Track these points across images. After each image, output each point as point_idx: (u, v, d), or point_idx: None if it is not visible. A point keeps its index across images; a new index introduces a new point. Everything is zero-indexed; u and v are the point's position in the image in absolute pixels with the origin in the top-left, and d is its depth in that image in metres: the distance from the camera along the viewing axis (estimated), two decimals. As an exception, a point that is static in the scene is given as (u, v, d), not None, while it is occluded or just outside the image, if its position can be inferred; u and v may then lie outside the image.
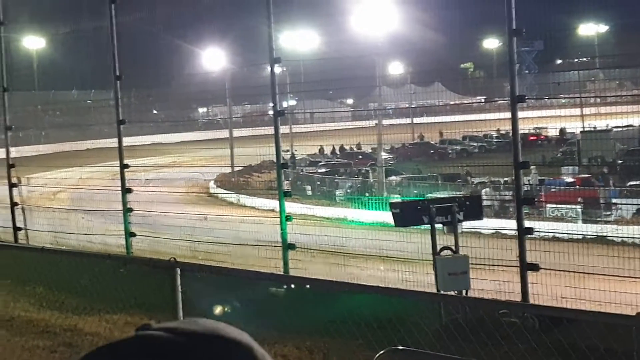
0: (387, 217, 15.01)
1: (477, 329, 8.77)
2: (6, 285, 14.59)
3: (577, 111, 30.30)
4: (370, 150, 36.09)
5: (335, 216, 23.01)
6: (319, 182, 30.75)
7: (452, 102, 34.34)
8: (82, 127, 28.09)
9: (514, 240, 11.82)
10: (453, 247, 12.11)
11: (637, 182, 25.44)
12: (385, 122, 30.34)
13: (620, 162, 29.35)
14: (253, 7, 15.97)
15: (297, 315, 10.81)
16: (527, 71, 30.66)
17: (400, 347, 7.45)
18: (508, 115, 11.86)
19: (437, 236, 12.26)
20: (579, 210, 22.52)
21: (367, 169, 32.94)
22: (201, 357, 1.23)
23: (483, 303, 10.11)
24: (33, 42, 24.52)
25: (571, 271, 11.87)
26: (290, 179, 26.02)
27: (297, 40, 27.40)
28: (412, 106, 32.72)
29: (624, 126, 28.23)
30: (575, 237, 16.22)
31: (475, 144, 40.40)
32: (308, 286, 11.28)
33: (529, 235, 11.61)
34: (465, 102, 34.28)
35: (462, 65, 51.80)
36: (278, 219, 14.50)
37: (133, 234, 16.83)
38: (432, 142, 40.38)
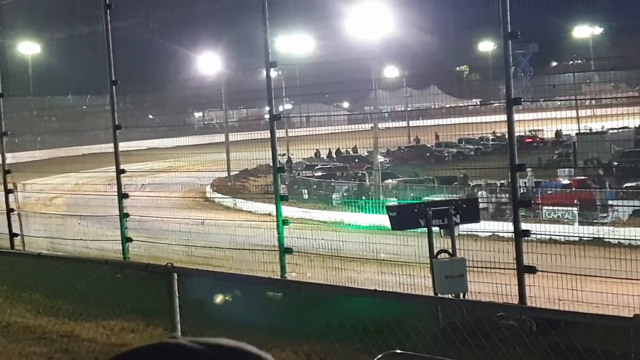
0: (383, 220, 15.02)
1: (475, 331, 8.77)
2: (3, 291, 14.55)
3: (572, 113, 30.30)
4: (366, 154, 36.12)
5: (332, 220, 22.99)
6: (315, 186, 30.74)
7: (447, 105, 34.42)
8: (77, 133, 28.08)
9: (510, 243, 11.83)
10: (450, 250, 12.12)
11: (633, 184, 25.48)
12: (381, 125, 30.39)
13: (616, 163, 29.40)
14: (249, 11, 15.96)
15: (294, 320, 10.78)
16: (522, 74, 30.72)
17: (398, 351, 7.44)
18: (504, 117, 11.88)
19: (434, 239, 12.28)
20: (576, 212, 22.55)
21: (363, 172, 32.98)
22: None
23: (480, 306, 10.11)
24: (28, 48, 24.47)
25: (568, 273, 11.87)
26: (286, 183, 25.98)
27: (293, 44, 27.43)
28: (408, 109, 32.77)
29: (620, 128, 28.33)
30: (572, 239, 16.23)
31: (471, 147, 40.41)
32: (305, 291, 11.25)
33: (526, 238, 11.63)
34: (460, 104, 34.38)
35: (457, 68, 51.95)
36: (275, 223, 14.49)
37: (130, 239, 16.79)
38: (428, 145, 40.37)
